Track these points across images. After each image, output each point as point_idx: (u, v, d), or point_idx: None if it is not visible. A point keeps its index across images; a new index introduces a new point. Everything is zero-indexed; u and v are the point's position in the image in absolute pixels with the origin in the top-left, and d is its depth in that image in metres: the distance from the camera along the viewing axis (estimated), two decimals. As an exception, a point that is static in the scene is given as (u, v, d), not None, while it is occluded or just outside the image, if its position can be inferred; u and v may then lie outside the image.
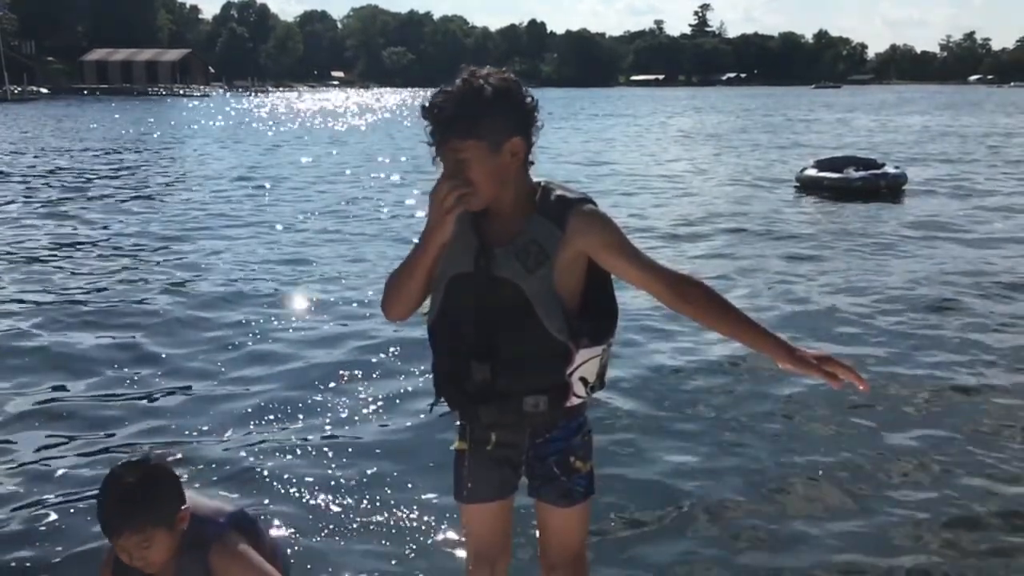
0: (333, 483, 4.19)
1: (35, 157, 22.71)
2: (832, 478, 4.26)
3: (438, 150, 2.05)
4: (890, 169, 15.60)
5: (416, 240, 2.17)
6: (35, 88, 76.89)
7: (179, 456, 4.40)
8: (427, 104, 2.04)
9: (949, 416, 5.05)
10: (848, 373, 2.09)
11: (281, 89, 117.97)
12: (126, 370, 5.97)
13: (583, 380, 2.23)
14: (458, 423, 2.41)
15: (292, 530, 3.72)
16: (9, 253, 9.98)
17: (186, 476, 4.26)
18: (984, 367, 5.95)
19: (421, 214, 12.94)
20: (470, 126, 2.00)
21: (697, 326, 6.54)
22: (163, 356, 6.27)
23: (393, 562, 3.49)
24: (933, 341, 6.54)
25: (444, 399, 2.33)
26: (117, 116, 46.34)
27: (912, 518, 3.85)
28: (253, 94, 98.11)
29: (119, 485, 2.25)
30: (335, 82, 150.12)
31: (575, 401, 2.27)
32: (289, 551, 3.46)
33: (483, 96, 2.01)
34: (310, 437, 4.78)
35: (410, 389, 5.47)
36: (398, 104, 71.08)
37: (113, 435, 4.86)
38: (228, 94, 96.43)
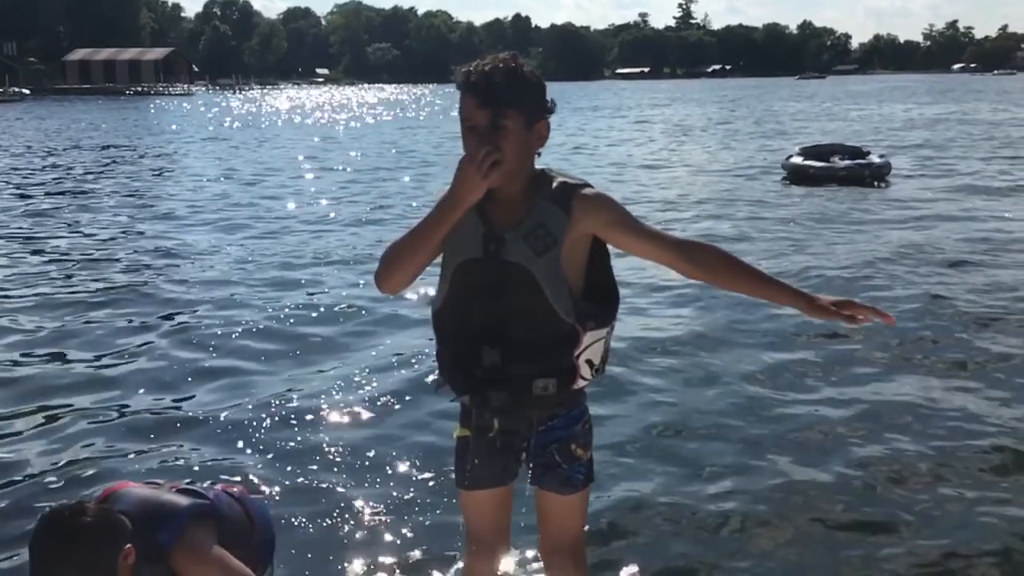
0: (332, 466, 4.23)
1: (39, 157, 22.55)
2: (808, 440, 4.38)
3: (477, 117, 2.06)
4: (875, 158, 15.73)
5: (416, 218, 2.18)
6: (17, 89, 76.20)
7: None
8: (471, 72, 2.07)
9: (932, 382, 5.21)
10: (870, 312, 2.13)
11: (265, 87, 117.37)
12: (132, 347, 6.21)
13: (589, 362, 2.26)
14: (460, 410, 2.42)
15: (291, 513, 3.74)
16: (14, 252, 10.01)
17: (179, 455, 4.33)
18: (961, 338, 6.17)
19: (413, 203, 13.10)
20: (517, 95, 2.07)
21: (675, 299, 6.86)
22: (165, 334, 6.50)
23: (391, 548, 3.50)
24: (911, 313, 6.72)
25: (450, 385, 2.33)
26: (104, 115, 46.02)
27: (901, 464, 3.97)
28: (237, 92, 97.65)
29: (50, 548, 2.05)
30: (320, 79, 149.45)
31: (581, 384, 2.30)
32: (286, 535, 3.48)
33: (525, 73, 2.10)
34: (308, 417, 4.82)
35: (411, 372, 5.53)
36: (387, 99, 70.90)
37: (120, 404, 5.11)
38: (212, 92, 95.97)
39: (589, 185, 2.22)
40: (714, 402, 5.07)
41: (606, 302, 2.30)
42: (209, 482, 2.83)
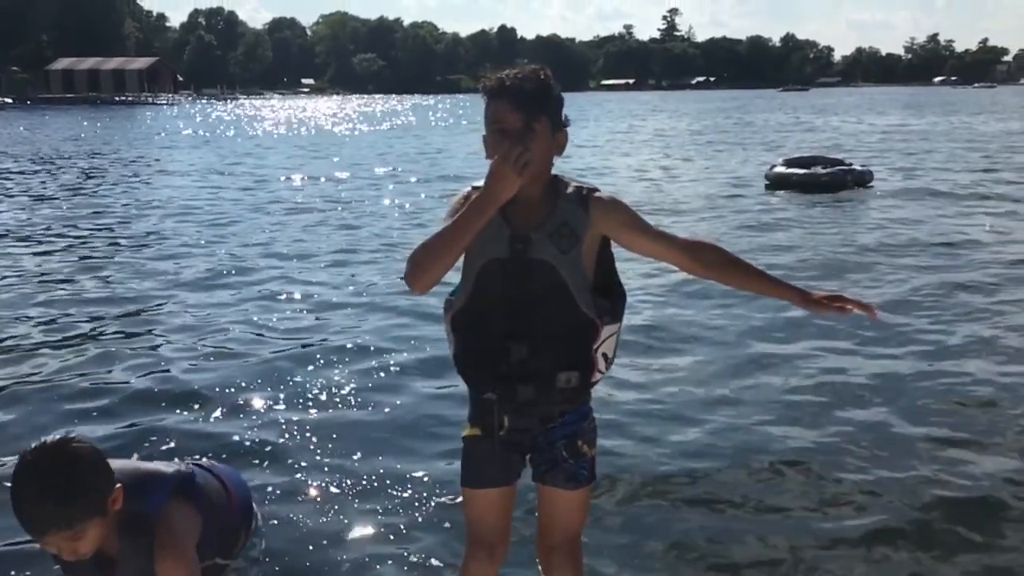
0: (329, 464, 4.25)
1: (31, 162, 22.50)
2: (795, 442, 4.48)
3: (510, 120, 2.20)
4: (856, 166, 16.03)
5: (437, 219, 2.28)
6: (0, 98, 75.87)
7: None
8: (505, 79, 2.23)
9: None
10: (856, 306, 2.31)
11: (250, 97, 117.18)
12: (132, 342, 6.37)
13: (604, 356, 2.39)
14: (470, 409, 2.48)
15: (287, 511, 3.77)
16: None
17: (172, 443, 4.39)
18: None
19: (406, 205, 13.12)
20: (546, 103, 2.26)
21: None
22: (167, 325, 6.77)
23: (389, 548, 3.50)
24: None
25: (473, 383, 2.41)
26: (91, 124, 45.80)
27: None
28: (222, 101, 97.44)
29: (38, 477, 1.94)
30: (305, 89, 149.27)
31: (598, 376, 2.41)
32: (282, 530, 3.54)
33: (552, 84, 2.29)
34: (304, 417, 4.86)
35: (407, 371, 5.61)
36: (376, 109, 71.09)
37: (124, 389, 5.26)
38: (197, 101, 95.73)
39: (598, 189, 2.36)
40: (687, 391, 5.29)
41: (615, 299, 2.42)
42: (176, 459, 2.82)
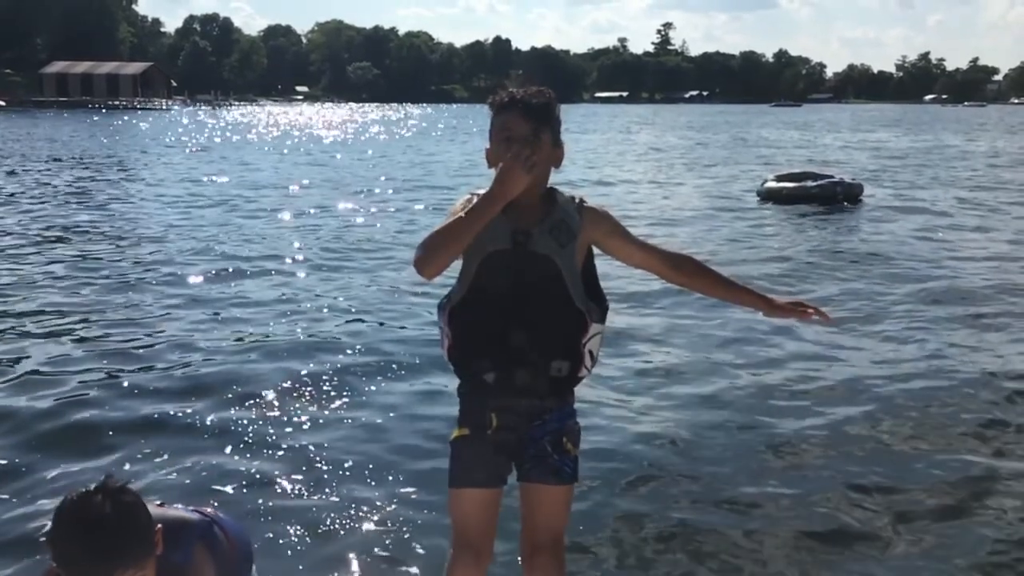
0: (323, 464, 4.30)
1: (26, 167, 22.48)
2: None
3: (520, 128, 2.40)
4: (847, 179, 16.22)
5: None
6: (-8, 101, 75.72)
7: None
8: (515, 93, 2.46)
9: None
10: (815, 311, 2.58)
11: (244, 103, 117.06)
12: (131, 343, 6.39)
13: (590, 352, 2.52)
14: (460, 410, 2.56)
15: (280, 511, 3.80)
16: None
17: (168, 452, 4.42)
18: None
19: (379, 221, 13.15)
20: (550, 117, 2.48)
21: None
22: (162, 325, 6.87)
23: (375, 553, 3.53)
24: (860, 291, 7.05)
25: (470, 369, 2.50)
26: (88, 129, 45.77)
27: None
28: (216, 108, 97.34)
29: (97, 520, 1.90)
30: (299, 96, 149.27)
31: (584, 373, 2.54)
32: (271, 542, 3.55)
33: (555, 103, 2.52)
34: (298, 417, 4.90)
35: (400, 373, 5.67)
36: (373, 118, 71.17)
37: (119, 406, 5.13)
38: (192, 107, 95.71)
39: (587, 200, 2.56)
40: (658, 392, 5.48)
41: (601, 301, 2.57)
42: (180, 505, 2.80)
